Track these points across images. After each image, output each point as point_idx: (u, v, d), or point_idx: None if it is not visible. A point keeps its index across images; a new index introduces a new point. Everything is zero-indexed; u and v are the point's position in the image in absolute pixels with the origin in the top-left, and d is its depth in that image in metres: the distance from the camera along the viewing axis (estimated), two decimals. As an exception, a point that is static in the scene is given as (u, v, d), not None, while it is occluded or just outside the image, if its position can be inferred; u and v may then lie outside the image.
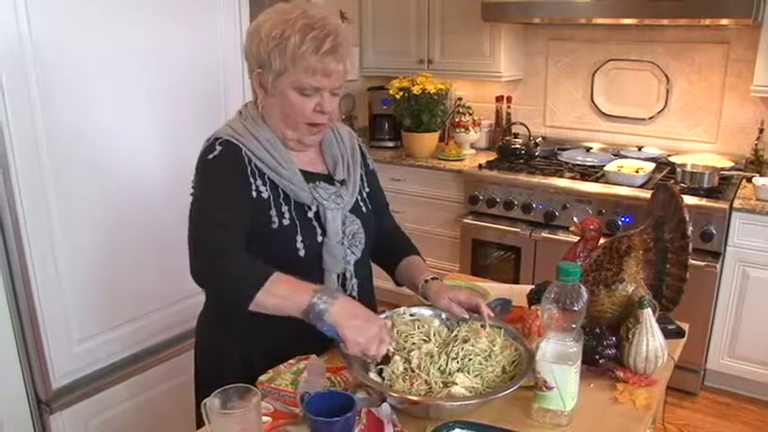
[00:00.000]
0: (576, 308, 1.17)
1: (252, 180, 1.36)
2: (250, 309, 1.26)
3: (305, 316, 1.26)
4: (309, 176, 1.44)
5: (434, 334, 1.38)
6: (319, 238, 1.42)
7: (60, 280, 1.90)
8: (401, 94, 3.64)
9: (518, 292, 1.74)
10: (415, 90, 3.58)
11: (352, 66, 1.38)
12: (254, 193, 1.36)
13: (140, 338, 2.17)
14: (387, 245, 1.65)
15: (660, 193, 1.58)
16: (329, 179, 1.49)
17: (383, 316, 1.43)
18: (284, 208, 1.39)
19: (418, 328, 1.41)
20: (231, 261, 1.29)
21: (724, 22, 2.96)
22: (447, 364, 1.28)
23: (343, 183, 1.49)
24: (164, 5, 2.06)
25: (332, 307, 1.25)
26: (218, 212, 1.32)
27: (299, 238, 1.39)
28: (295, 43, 1.30)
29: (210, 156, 1.36)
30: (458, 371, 1.26)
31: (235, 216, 1.33)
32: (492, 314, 1.46)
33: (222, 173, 1.36)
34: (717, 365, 3.00)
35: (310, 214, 1.42)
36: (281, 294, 1.26)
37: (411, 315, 1.47)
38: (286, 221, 1.38)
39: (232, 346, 1.46)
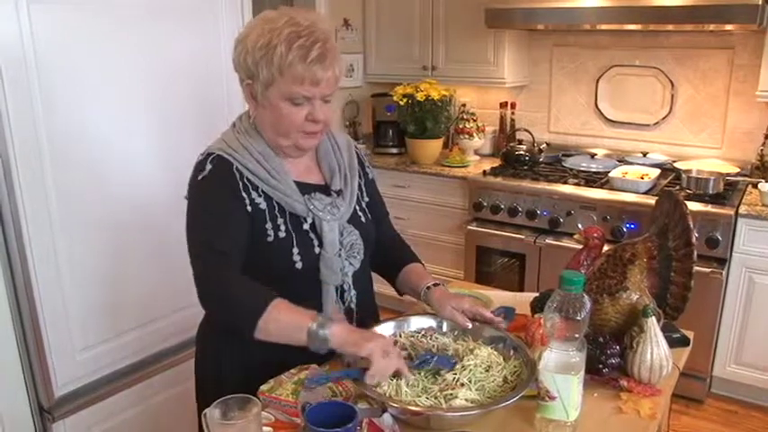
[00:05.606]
0: (578, 317, 1.16)
1: (245, 195, 1.35)
2: (256, 337, 1.27)
3: (309, 344, 1.27)
4: (305, 187, 1.43)
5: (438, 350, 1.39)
6: (316, 250, 1.40)
7: (63, 287, 1.90)
8: (405, 100, 3.63)
9: (522, 300, 1.73)
10: (419, 96, 3.58)
11: (342, 71, 1.36)
12: (250, 207, 1.35)
13: (143, 346, 2.17)
14: (387, 254, 1.63)
15: (664, 201, 1.57)
16: (325, 189, 1.47)
17: (388, 336, 1.43)
18: (279, 220, 1.37)
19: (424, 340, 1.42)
20: (231, 290, 1.29)
21: (729, 27, 2.94)
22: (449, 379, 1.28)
23: (339, 193, 1.48)
24: (166, 10, 2.06)
25: (330, 329, 1.26)
26: (214, 237, 1.32)
27: (296, 250, 1.38)
28: (281, 53, 1.27)
29: (201, 176, 1.35)
30: (461, 385, 1.25)
31: (231, 237, 1.33)
32: (500, 320, 1.46)
33: (213, 194, 1.35)
34: (723, 373, 2.98)
35: (306, 226, 1.40)
36: (282, 322, 1.28)
37: (415, 332, 1.48)
38: (282, 234, 1.37)
39: (232, 355, 1.45)
